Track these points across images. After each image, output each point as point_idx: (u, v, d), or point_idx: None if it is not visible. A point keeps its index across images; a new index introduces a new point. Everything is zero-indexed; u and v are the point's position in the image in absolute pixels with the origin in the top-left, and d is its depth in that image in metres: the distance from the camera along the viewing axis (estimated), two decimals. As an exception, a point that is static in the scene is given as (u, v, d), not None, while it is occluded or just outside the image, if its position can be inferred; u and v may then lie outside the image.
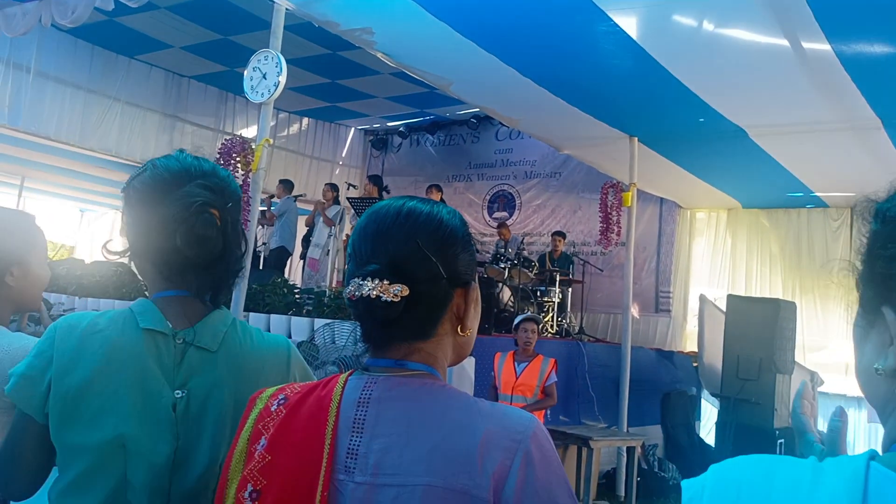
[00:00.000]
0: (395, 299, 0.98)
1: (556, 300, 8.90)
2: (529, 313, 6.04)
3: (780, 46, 4.88)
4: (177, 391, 1.22)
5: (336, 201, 9.87)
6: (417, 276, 1.01)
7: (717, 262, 10.40)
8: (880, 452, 0.68)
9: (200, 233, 1.23)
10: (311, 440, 0.99)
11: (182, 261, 1.26)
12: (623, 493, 6.71)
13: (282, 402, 1.05)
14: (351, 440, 0.98)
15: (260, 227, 9.62)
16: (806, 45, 4.83)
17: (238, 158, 4.32)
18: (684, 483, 0.75)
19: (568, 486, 0.97)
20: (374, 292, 0.98)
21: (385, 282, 0.98)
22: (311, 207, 10.45)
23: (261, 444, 1.01)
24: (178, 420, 1.21)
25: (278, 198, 9.98)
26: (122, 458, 1.19)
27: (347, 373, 1.08)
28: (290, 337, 6.22)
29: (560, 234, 10.06)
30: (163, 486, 1.19)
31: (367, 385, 1.02)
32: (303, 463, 0.97)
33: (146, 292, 1.35)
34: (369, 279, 0.99)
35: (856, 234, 0.74)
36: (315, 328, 5.74)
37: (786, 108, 5.95)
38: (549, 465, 0.95)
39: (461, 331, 1.08)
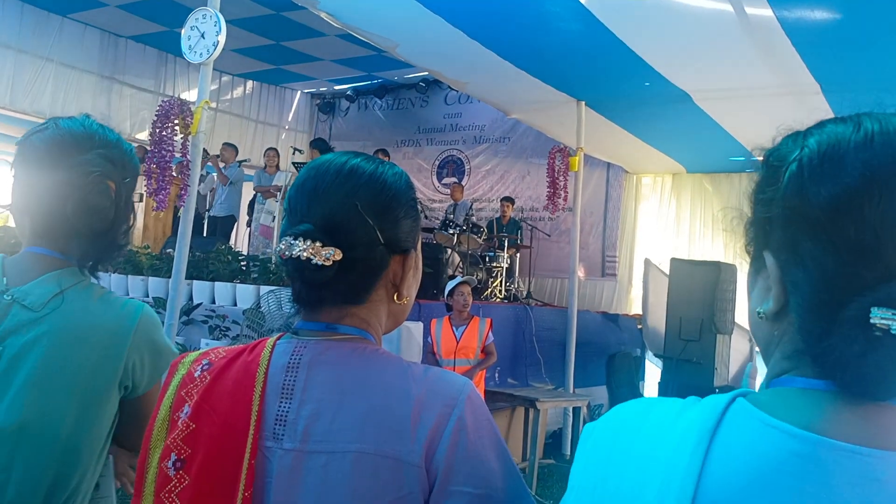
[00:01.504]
0: (327, 263, 0.94)
1: (505, 265, 8.96)
2: (462, 276, 6.05)
3: (724, 11, 4.91)
4: None
5: (278, 166, 9.68)
6: (352, 239, 0.97)
7: (661, 226, 10.61)
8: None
9: (93, 203, 1.25)
10: (237, 406, 0.95)
11: (67, 227, 1.26)
12: (569, 452, 6.86)
13: (206, 367, 1.01)
14: (280, 406, 0.94)
15: (209, 192, 9.40)
16: (749, 10, 4.88)
17: (177, 121, 4.18)
18: (585, 426, 0.78)
19: (503, 450, 0.95)
20: (305, 254, 0.94)
21: (317, 243, 0.94)
22: (252, 173, 10.23)
23: (184, 411, 0.97)
24: None
25: (226, 162, 9.73)
26: None
27: (276, 336, 1.03)
28: (234, 304, 6.13)
29: (508, 200, 10.10)
30: None
31: (297, 349, 0.99)
32: (229, 430, 0.94)
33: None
34: (301, 239, 0.95)
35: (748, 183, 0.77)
36: (260, 295, 5.66)
37: (729, 73, 6.03)
38: (482, 429, 0.93)
39: (397, 298, 1.05)
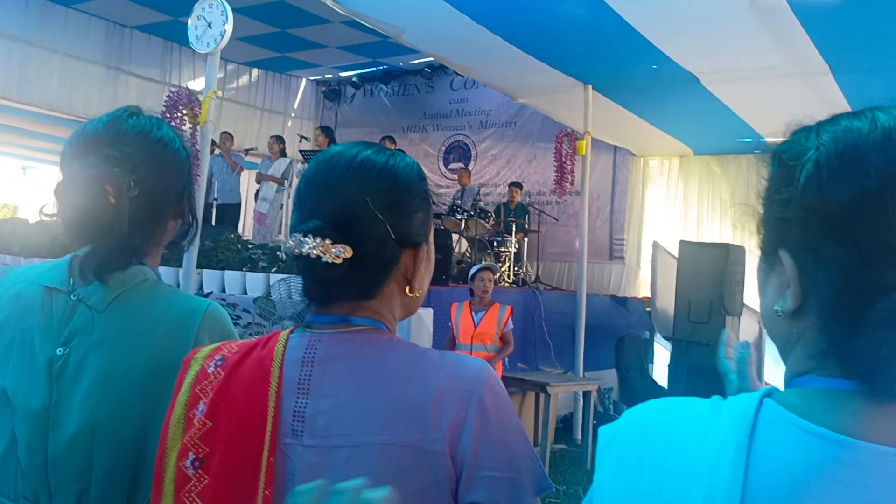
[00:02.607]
0: (337, 261, 0.93)
1: (513, 250, 8.96)
2: (485, 263, 6.07)
3: (732, -8, 4.88)
4: (59, 348, 1.19)
5: (283, 153, 9.68)
6: (363, 236, 0.95)
7: (669, 208, 10.57)
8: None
9: (83, 208, 1.19)
10: (253, 404, 0.94)
11: (71, 231, 1.25)
12: (580, 437, 6.88)
13: (219, 363, 0.99)
14: (297, 402, 0.94)
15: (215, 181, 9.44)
16: (757, -11, 4.84)
17: (185, 111, 4.19)
18: (601, 429, 0.76)
19: (523, 432, 0.96)
20: (315, 251, 0.92)
21: (327, 241, 0.93)
22: (258, 160, 10.26)
23: (199, 409, 0.96)
24: (54, 377, 1.18)
25: (227, 151, 9.75)
26: (10, 413, 1.19)
27: (288, 330, 1.02)
28: (245, 293, 6.16)
29: (517, 185, 10.10)
30: (39, 443, 1.17)
31: (311, 343, 0.98)
32: (246, 428, 0.93)
33: None
34: (311, 236, 0.93)
35: (757, 178, 0.75)
36: (270, 283, 5.69)
37: (737, 54, 5.98)
38: (504, 412, 0.93)
39: (409, 291, 1.03)
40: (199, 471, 0.93)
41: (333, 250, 0.93)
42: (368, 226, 0.96)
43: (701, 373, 6.43)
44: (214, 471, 0.92)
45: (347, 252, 0.93)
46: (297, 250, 0.94)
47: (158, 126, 1.33)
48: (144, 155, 1.25)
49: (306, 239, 0.93)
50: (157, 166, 1.27)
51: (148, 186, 1.24)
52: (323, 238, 0.93)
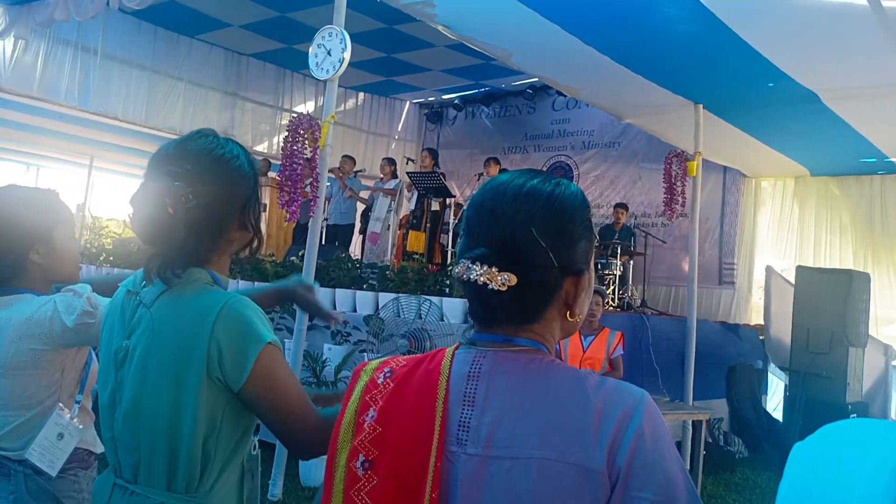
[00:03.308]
0: (502, 288, 0.98)
1: (618, 273, 8.80)
2: (594, 286, 5.97)
3: (858, 5, 4.66)
4: (125, 341, 1.39)
5: (394, 175, 9.91)
6: (528, 264, 1.00)
7: (783, 232, 10.08)
8: None
9: (147, 217, 1.35)
10: (421, 412, 1.00)
11: (139, 237, 1.41)
12: (689, 467, 6.64)
13: (388, 374, 1.07)
14: (462, 413, 0.99)
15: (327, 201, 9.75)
16: (885, 2, 4.61)
17: (305, 135, 4.37)
18: (795, 445, 0.81)
19: (680, 462, 0.96)
20: (482, 279, 0.98)
21: (493, 269, 0.98)
22: (369, 183, 10.53)
23: (370, 415, 1.03)
24: (118, 365, 1.39)
25: (345, 174, 10.06)
26: None
27: (453, 346, 1.08)
28: (355, 310, 6.31)
29: (622, 207, 9.93)
30: (108, 421, 1.40)
31: (476, 359, 1.03)
32: (415, 435, 0.99)
33: None
34: (478, 264, 0.99)
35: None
36: (380, 303, 5.81)
37: (862, 70, 5.70)
38: (661, 440, 0.95)
39: (569, 316, 1.07)
40: (369, 472, 0.99)
41: (499, 278, 0.98)
42: (534, 254, 1.00)
43: (821, 406, 6.10)
44: (383, 472, 0.98)
45: (512, 280, 0.98)
46: (465, 276, 1.00)
47: (223, 144, 1.44)
48: (204, 170, 1.38)
49: (474, 266, 0.99)
50: (216, 181, 1.39)
51: (206, 199, 1.36)
52: (490, 265, 0.98)
